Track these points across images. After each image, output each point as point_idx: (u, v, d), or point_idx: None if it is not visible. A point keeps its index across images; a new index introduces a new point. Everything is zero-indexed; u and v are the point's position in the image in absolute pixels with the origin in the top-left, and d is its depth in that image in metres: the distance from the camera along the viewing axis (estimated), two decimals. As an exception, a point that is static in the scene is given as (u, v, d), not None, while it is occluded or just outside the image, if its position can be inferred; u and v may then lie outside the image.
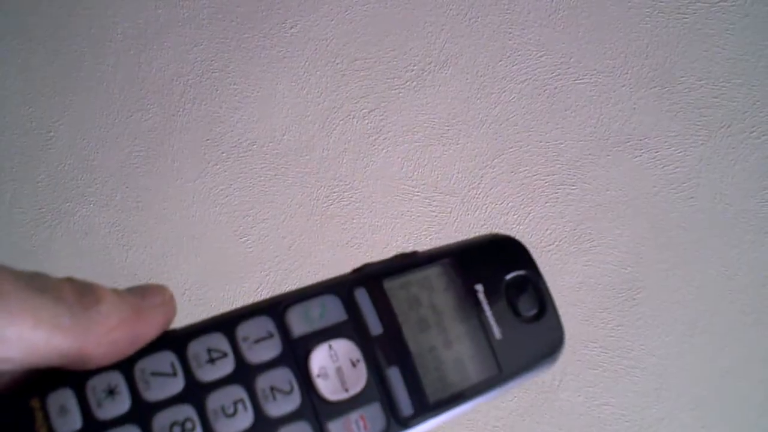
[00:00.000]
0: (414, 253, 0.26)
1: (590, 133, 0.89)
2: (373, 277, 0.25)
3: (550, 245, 0.90)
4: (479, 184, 0.91)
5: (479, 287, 0.26)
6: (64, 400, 0.21)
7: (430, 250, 0.27)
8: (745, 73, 0.87)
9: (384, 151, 0.92)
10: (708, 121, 0.88)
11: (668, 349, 0.89)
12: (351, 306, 0.24)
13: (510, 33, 0.90)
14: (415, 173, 0.91)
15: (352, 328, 0.24)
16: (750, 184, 0.88)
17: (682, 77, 0.88)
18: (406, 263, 0.26)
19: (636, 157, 0.89)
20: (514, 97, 0.90)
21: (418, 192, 0.91)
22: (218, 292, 0.94)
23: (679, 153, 0.88)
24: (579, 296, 0.90)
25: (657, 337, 0.89)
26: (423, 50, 0.92)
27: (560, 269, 0.90)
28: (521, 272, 0.27)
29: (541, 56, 0.90)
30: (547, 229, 0.90)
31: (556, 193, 0.90)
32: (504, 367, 0.25)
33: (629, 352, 0.90)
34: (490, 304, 0.26)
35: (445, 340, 0.25)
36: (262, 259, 0.94)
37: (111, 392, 0.21)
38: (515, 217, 0.90)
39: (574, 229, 0.90)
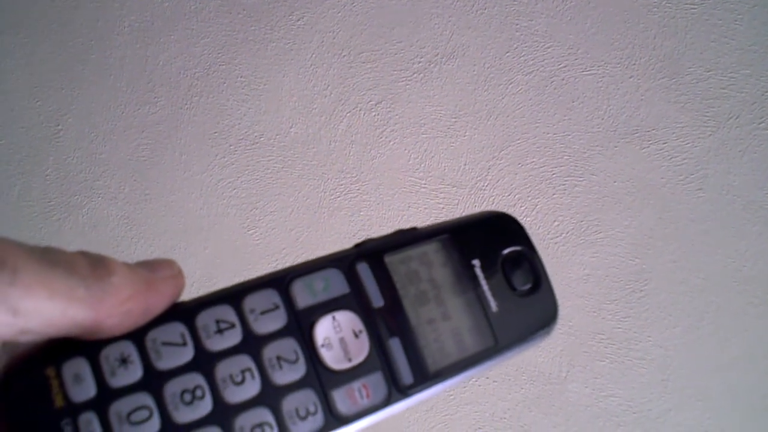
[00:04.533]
0: (413, 229, 0.27)
1: (597, 125, 0.89)
2: (374, 252, 0.26)
3: (557, 237, 0.90)
4: (486, 176, 0.91)
5: (476, 262, 0.27)
6: (78, 368, 0.21)
7: (429, 226, 0.27)
8: (754, 63, 0.87)
9: (391, 143, 0.92)
10: (716, 112, 0.87)
11: (675, 341, 0.89)
12: (353, 279, 0.25)
13: (517, 24, 0.90)
14: (423, 165, 0.92)
15: (354, 300, 0.25)
16: (758, 175, 0.87)
17: (690, 68, 0.88)
18: (406, 239, 0.27)
19: (643, 148, 0.89)
20: (521, 89, 0.90)
21: (425, 184, 0.91)
22: (226, 284, 0.94)
23: (686, 144, 0.88)
24: (586, 288, 0.90)
25: (664, 329, 0.89)
26: (430, 42, 0.92)
27: (568, 261, 0.90)
28: (516, 248, 0.28)
29: (548, 47, 0.90)
30: (554, 221, 0.90)
31: (564, 184, 0.90)
32: (500, 338, 0.26)
33: (636, 343, 0.90)
34: (487, 278, 0.27)
35: (444, 313, 0.26)
36: (269, 252, 0.94)
37: (124, 361, 0.22)
38: (522, 208, 0.90)
39: (582, 221, 0.90)
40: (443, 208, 0.91)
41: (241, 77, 0.95)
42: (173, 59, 0.96)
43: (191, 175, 0.96)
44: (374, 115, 0.92)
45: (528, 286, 0.27)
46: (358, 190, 0.92)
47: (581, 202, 0.90)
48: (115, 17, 0.97)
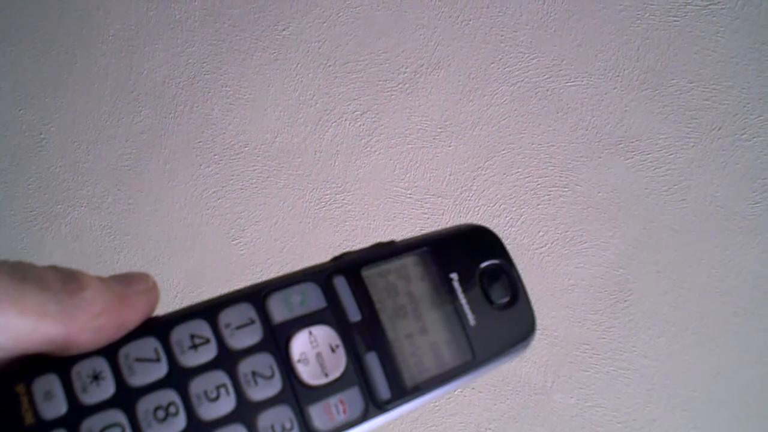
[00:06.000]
0: (391, 242, 0.27)
1: (582, 136, 0.90)
2: (351, 266, 0.26)
3: (542, 247, 0.90)
4: (471, 186, 0.91)
5: (454, 275, 0.27)
6: (49, 385, 0.21)
7: (407, 240, 0.27)
8: (736, 75, 0.87)
9: (376, 153, 0.92)
10: (699, 124, 0.88)
11: (660, 351, 0.89)
12: (330, 293, 0.25)
13: (502, 35, 0.91)
14: (408, 175, 0.92)
15: (331, 314, 0.25)
16: (741, 186, 0.88)
17: (673, 80, 0.88)
18: (384, 252, 0.27)
19: (627, 159, 0.89)
20: (506, 100, 0.91)
21: (410, 194, 0.91)
22: (210, 295, 0.94)
23: (670, 155, 0.89)
24: (571, 298, 0.90)
25: (648, 339, 0.89)
26: (415, 52, 0.92)
27: (552, 271, 0.90)
28: (494, 261, 0.28)
29: (533, 59, 0.90)
30: (539, 231, 0.90)
31: (548, 195, 0.90)
32: (478, 352, 0.26)
33: (621, 353, 0.90)
34: (465, 291, 0.26)
35: (422, 327, 0.26)
36: (254, 262, 0.94)
37: (96, 377, 0.21)
38: (507, 219, 0.90)
39: (566, 231, 0.90)
40: (428, 218, 0.91)
41: (226, 87, 0.94)
42: (158, 68, 0.96)
43: (175, 184, 0.95)
44: (359, 125, 0.92)
45: (506, 300, 0.27)
46: (343, 200, 0.92)
47: (566, 213, 0.90)
48: (100, 26, 0.96)
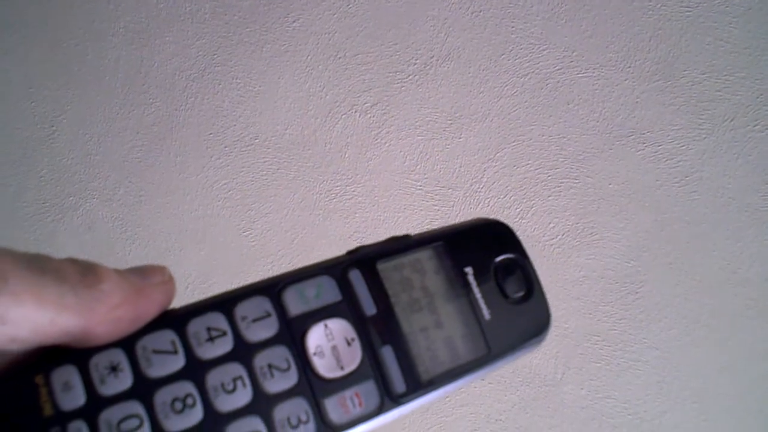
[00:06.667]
0: (406, 237, 0.27)
1: (593, 127, 0.89)
2: (366, 259, 0.26)
3: (552, 239, 0.90)
4: (482, 177, 0.91)
5: (469, 269, 0.27)
6: (67, 376, 0.21)
7: (421, 234, 0.27)
8: (749, 66, 0.87)
9: (386, 145, 0.92)
10: (711, 115, 0.88)
11: (670, 343, 0.89)
12: (345, 287, 0.25)
13: (512, 26, 0.90)
14: (418, 167, 0.91)
15: (346, 308, 0.25)
16: (753, 177, 0.87)
17: (685, 71, 0.88)
18: (399, 246, 0.27)
19: (639, 150, 0.89)
20: (516, 91, 0.90)
21: (420, 186, 0.91)
22: (222, 287, 0.94)
23: (681, 147, 0.88)
24: (582, 290, 0.90)
25: (659, 331, 0.89)
26: (425, 44, 0.92)
27: (563, 263, 0.90)
28: (509, 255, 0.28)
29: (543, 50, 0.90)
30: (549, 223, 0.90)
31: (559, 186, 0.90)
32: (492, 346, 0.26)
33: (632, 345, 0.90)
34: (480, 285, 0.27)
35: (436, 321, 0.26)
36: (265, 253, 0.94)
37: (114, 369, 0.22)
38: (518, 210, 0.90)
39: (577, 223, 0.90)
40: (438, 210, 0.91)
41: (236, 79, 0.95)
42: (168, 60, 0.96)
43: (186, 176, 0.95)
44: (370, 117, 0.92)
45: (521, 294, 0.27)
46: (353, 192, 0.92)
47: (577, 204, 0.90)
48: (110, 18, 0.97)
